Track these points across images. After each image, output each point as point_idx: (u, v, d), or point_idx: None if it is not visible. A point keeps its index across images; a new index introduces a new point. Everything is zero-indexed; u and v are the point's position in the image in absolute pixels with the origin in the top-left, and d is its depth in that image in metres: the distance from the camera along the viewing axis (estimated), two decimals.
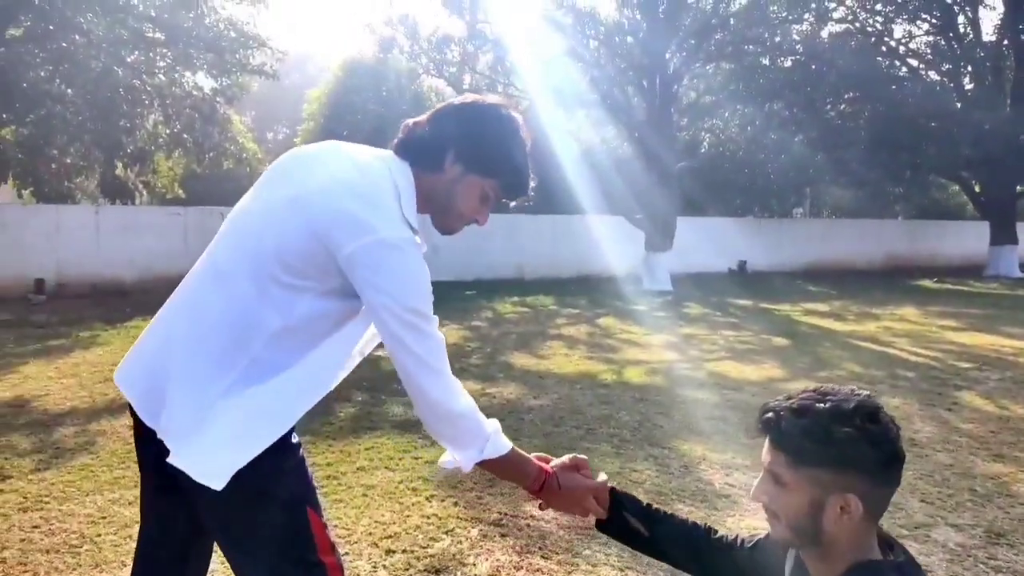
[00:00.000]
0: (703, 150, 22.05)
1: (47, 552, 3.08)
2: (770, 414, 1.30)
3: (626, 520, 1.68)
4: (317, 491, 1.59)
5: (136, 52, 12.58)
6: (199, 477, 1.35)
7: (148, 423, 1.48)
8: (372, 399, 5.76)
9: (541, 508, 1.71)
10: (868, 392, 1.30)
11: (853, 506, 1.21)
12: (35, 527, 3.34)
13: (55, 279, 13.38)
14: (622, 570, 2.93)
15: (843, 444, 1.21)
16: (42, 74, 13.12)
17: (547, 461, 1.68)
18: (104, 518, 3.44)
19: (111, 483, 3.90)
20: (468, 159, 1.54)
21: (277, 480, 1.45)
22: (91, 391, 6.01)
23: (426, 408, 1.47)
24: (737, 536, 1.61)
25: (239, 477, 1.37)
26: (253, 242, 1.45)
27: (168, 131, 15.99)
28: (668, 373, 6.89)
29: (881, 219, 24.76)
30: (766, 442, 1.31)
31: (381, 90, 18.90)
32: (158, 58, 13.42)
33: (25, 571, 2.92)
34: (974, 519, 3.43)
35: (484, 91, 19.50)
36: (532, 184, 1.67)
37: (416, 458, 4.29)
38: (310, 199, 1.42)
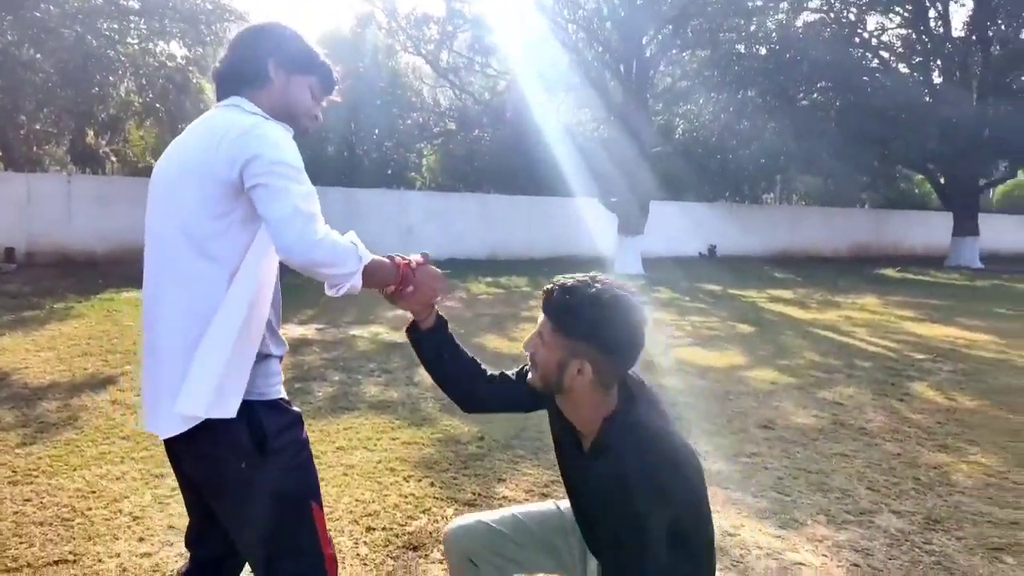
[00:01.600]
0: (677, 135, 22.32)
1: (41, 525, 3.22)
2: (550, 286, 1.66)
3: (445, 332, 2.00)
4: (318, 481, 1.76)
5: (110, 21, 12.37)
6: (205, 412, 1.54)
7: (150, 428, 1.64)
8: (349, 379, 5.91)
9: (398, 304, 1.88)
10: (636, 290, 1.66)
11: (586, 371, 1.57)
12: (27, 500, 3.46)
13: (25, 248, 13.25)
14: None
15: (590, 323, 1.56)
16: (9, 37, 12.89)
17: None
18: (93, 492, 3.57)
19: (97, 458, 4.02)
20: (287, 63, 1.71)
21: (287, 478, 1.62)
22: (70, 365, 6.08)
23: (307, 247, 1.52)
24: (506, 373, 2.00)
25: (253, 477, 1.56)
26: (169, 228, 1.61)
27: (141, 100, 15.80)
28: None
29: (848, 207, 25.27)
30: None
31: (358, 65, 18.80)
32: (132, 27, 13.22)
33: (21, 543, 3.05)
34: (915, 506, 3.69)
35: (462, 71, 19.53)
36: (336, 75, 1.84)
37: (393, 439, 4.46)
38: (188, 164, 1.59)
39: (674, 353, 7.46)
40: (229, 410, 1.56)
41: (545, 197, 18.11)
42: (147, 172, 17.99)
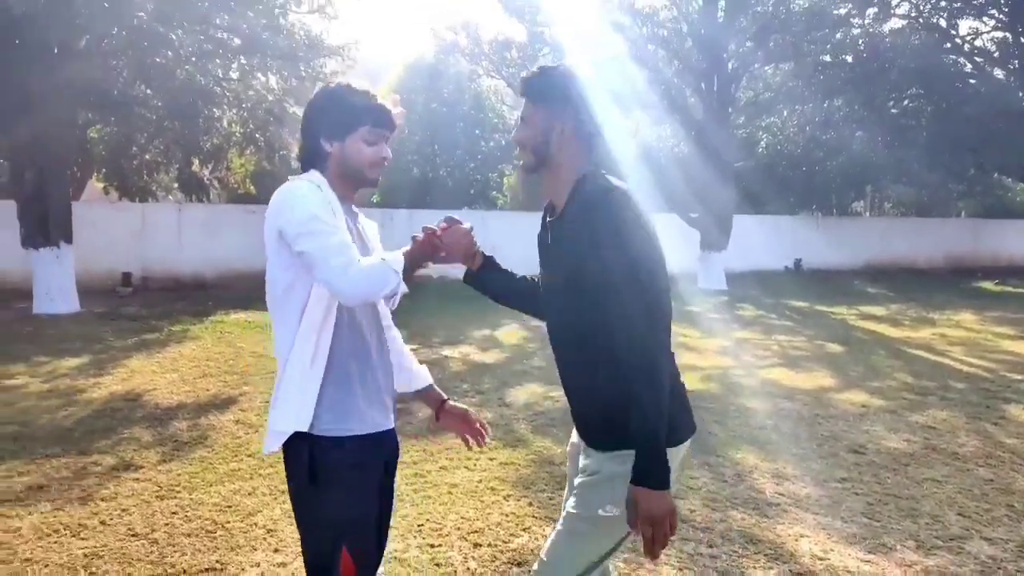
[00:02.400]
0: (761, 148, 22.02)
1: (188, 536, 3.64)
2: (526, 75, 1.95)
3: (495, 267, 2.27)
4: (368, 529, 1.92)
5: (217, 60, 13.30)
6: (271, 425, 1.87)
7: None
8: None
9: (434, 260, 2.01)
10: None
11: (567, 128, 1.87)
12: (173, 513, 3.91)
13: (140, 273, 14.30)
14: (680, 570, 3.34)
15: (562, 88, 1.87)
16: (126, 77, 13.97)
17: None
18: (229, 507, 3.99)
19: (229, 474, 4.46)
20: (334, 132, 1.93)
21: (329, 513, 1.85)
22: (193, 386, 6.66)
23: (355, 289, 1.76)
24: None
25: (304, 499, 1.88)
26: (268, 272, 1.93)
27: (242, 130, 16.79)
28: (722, 380, 7.23)
29: (943, 217, 24.30)
30: (522, 99, 1.94)
31: (442, 91, 19.44)
32: (234, 64, 14.15)
33: (175, 551, 3.47)
34: (1008, 534, 3.72)
35: None
36: (391, 107, 1.98)
37: (491, 459, 4.75)
38: (264, 226, 1.88)
39: (760, 374, 7.51)
40: (288, 429, 1.83)
41: None
42: (247, 199, 19.13)
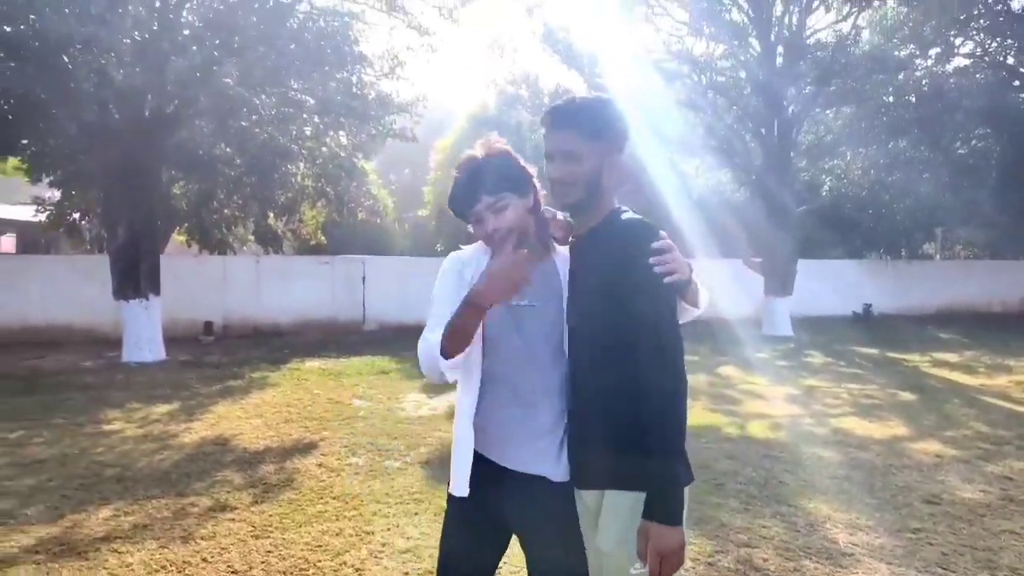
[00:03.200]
0: (824, 191, 21.82)
1: (284, 573, 3.90)
2: (565, 106, 1.91)
3: None
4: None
5: (295, 121, 14.07)
6: None
7: None
8: None
9: (486, 303, 1.78)
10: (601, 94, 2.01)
11: (617, 162, 1.90)
12: (268, 552, 4.18)
13: (221, 322, 15.00)
14: None
15: (613, 121, 1.89)
16: (208, 137, 14.86)
17: None
18: (319, 546, 4.24)
19: (316, 516, 4.72)
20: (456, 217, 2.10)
21: None
22: (277, 431, 7.00)
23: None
24: None
25: None
26: None
27: (314, 185, 17.57)
28: (792, 428, 7.21)
29: (1018, 259, 23.47)
30: (556, 132, 1.90)
31: (505, 142, 19.98)
32: (310, 125, 14.93)
33: None
34: None
35: None
36: (457, 191, 2.03)
37: None
38: None
39: (831, 422, 7.46)
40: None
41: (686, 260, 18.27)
42: (317, 249, 19.91)
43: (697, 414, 7.80)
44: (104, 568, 3.94)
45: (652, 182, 18.00)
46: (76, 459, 6.05)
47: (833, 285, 19.44)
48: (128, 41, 9.96)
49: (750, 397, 8.88)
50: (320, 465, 5.85)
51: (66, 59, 9.37)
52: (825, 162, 21.60)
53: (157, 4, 10.85)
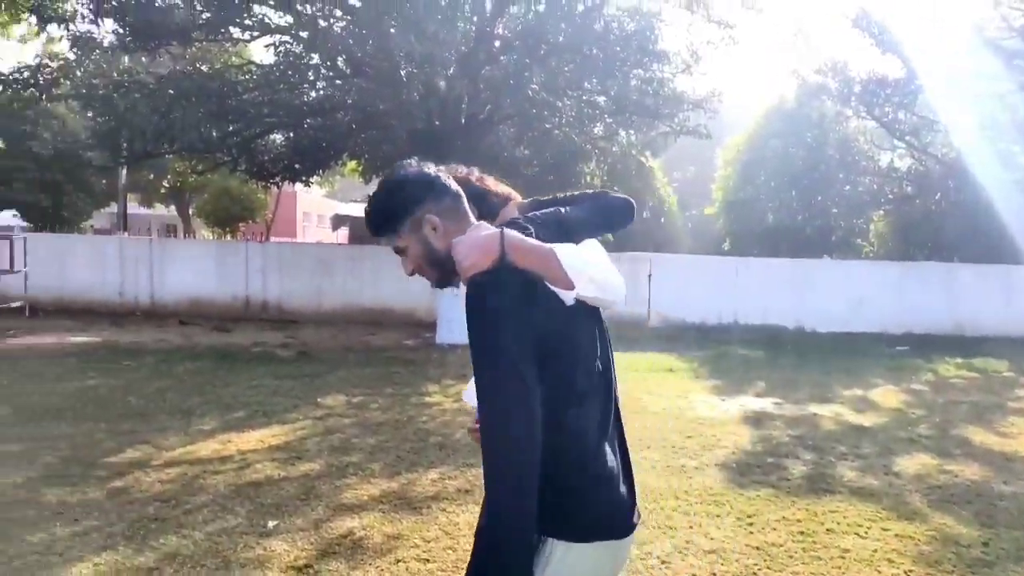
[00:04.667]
0: None
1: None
2: (365, 219, 1.75)
3: None
4: None
5: (594, 123, 14.56)
6: None
7: None
8: (821, 459, 6.03)
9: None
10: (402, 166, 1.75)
11: (434, 222, 1.66)
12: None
13: None
14: None
15: (396, 205, 1.68)
16: (511, 140, 15.90)
17: None
18: None
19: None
20: None
21: None
22: None
23: None
24: None
25: None
26: None
27: (600, 183, 18.01)
28: None
29: None
30: (381, 240, 1.75)
31: (804, 135, 18.80)
32: (600, 124, 15.34)
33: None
34: None
35: (922, 132, 18.15)
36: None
37: (884, 529, 4.49)
38: None
39: None
40: None
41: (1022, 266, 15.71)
42: (603, 246, 20.44)
43: None
44: (436, 524, 4.44)
45: (979, 180, 15.80)
46: (405, 425, 6.88)
47: None
48: (452, 55, 11.04)
49: None
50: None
51: (403, 74, 10.65)
52: None
53: (474, 19, 11.89)
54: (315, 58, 12.63)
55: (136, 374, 9.04)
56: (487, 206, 2.00)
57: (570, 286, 1.61)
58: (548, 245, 1.63)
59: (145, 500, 4.72)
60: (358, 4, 10.98)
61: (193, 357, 10.42)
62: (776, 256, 17.41)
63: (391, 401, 7.93)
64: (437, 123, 12.36)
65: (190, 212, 36.28)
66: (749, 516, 4.67)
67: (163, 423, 6.68)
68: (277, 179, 16.14)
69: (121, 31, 12.45)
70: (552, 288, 1.60)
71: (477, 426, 1.69)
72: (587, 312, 1.70)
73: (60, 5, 13.11)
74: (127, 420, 6.74)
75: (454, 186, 1.72)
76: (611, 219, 2.00)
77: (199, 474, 5.27)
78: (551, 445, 1.52)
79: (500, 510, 1.50)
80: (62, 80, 13.37)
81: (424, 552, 4.05)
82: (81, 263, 16.00)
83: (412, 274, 1.77)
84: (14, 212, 21.91)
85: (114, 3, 11.75)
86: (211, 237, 31.75)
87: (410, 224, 1.68)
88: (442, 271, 1.72)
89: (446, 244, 1.67)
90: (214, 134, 12.68)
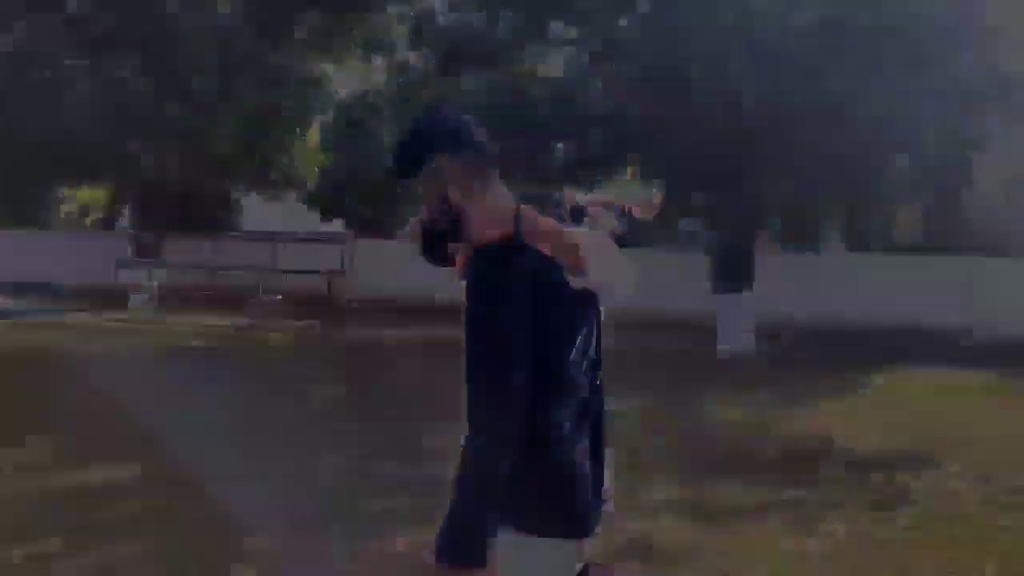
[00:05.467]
0: None
1: None
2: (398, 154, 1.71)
3: None
4: None
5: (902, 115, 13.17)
6: None
7: None
8: None
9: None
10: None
11: (455, 170, 1.58)
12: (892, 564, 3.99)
13: (807, 320, 14.87)
14: None
15: (418, 146, 1.64)
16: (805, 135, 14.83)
17: None
18: (951, 574, 3.88)
19: (945, 540, 4.32)
20: None
21: None
22: (884, 439, 6.66)
23: None
24: None
25: None
26: None
27: (911, 179, 16.15)
28: None
29: None
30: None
31: None
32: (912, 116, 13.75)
33: None
34: None
35: None
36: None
37: None
38: None
39: None
40: None
41: None
42: (913, 248, 18.41)
43: None
44: (732, 535, 4.33)
45: None
46: (693, 432, 6.81)
47: None
48: (744, 50, 10.65)
49: None
50: (941, 485, 5.37)
51: (692, 74, 10.52)
52: None
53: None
54: (602, 67, 12.94)
55: None
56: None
57: (583, 268, 1.56)
58: (565, 228, 1.61)
59: None
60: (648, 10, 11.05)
61: None
62: None
63: (675, 408, 7.89)
64: (725, 127, 12.00)
65: None
66: None
67: None
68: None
69: (433, 57, 13.85)
70: (558, 275, 1.56)
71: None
72: (585, 303, 1.67)
73: (383, 39, 15.02)
74: None
75: (482, 139, 1.66)
76: None
77: None
78: (527, 436, 1.51)
79: (485, 431, 1.49)
80: (382, 105, 15.25)
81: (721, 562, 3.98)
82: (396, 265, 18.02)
83: (426, 226, 1.68)
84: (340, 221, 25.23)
85: (429, 33, 13.10)
86: None
87: (427, 169, 1.64)
88: (450, 227, 1.64)
89: (458, 199, 1.60)
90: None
